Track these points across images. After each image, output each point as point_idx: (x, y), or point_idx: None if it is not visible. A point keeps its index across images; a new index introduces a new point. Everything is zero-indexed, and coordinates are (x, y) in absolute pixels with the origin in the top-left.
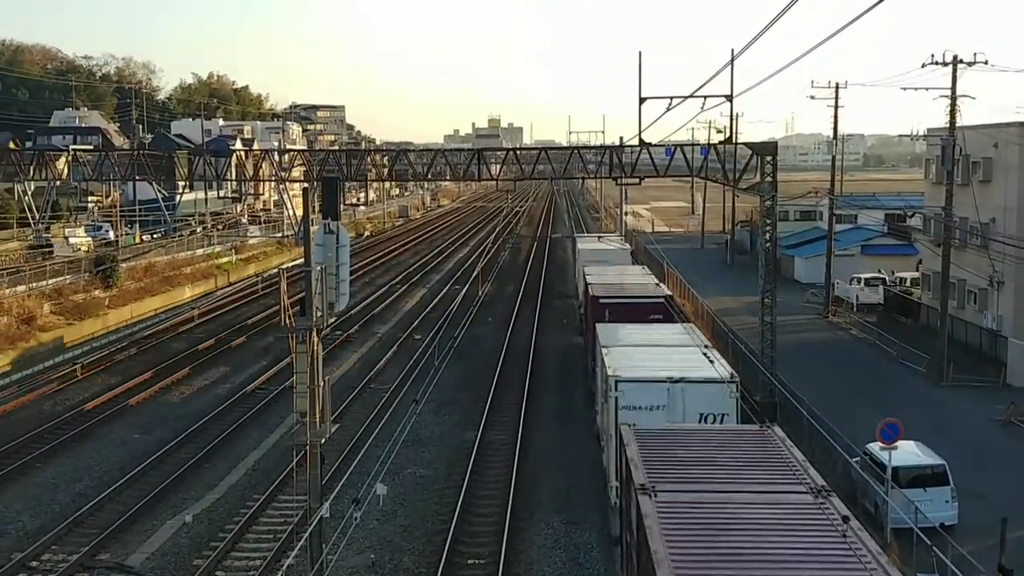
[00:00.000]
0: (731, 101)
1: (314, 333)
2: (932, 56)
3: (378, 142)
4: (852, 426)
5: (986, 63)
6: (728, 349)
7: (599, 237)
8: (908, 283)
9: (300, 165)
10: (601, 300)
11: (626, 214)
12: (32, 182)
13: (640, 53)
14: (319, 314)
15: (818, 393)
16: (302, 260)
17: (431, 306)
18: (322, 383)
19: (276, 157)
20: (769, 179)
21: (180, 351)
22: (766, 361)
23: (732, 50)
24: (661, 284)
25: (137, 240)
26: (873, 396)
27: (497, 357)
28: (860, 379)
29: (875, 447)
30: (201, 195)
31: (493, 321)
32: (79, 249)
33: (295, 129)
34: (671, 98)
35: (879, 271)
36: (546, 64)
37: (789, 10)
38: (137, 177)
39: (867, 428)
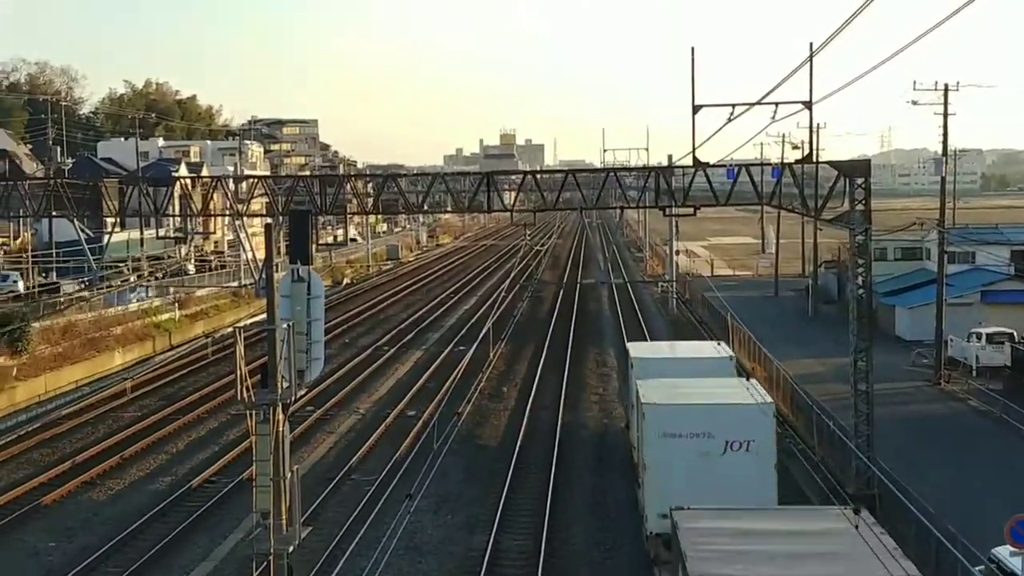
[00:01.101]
0: (810, 108)
1: (279, 410)
2: None
3: (360, 165)
4: (974, 524)
5: None
6: (812, 427)
7: (685, 341)
8: None
9: (261, 195)
10: None
11: (677, 253)
12: None
13: (693, 50)
14: (286, 385)
15: (929, 483)
16: (264, 316)
17: (428, 374)
18: (289, 474)
19: (231, 185)
20: (861, 207)
21: (107, 434)
22: (860, 442)
23: (811, 44)
24: None
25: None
26: (1000, 485)
27: (513, 439)
28: (982, 463)
29: (1004, 552)
30: (136, 234)
31: (508, 392)
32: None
33: (255, 150)
34: (733, 105)
35: (983, 324)
36: (573, 64)
37: None
38: (54, 212)
39: (993, 527)
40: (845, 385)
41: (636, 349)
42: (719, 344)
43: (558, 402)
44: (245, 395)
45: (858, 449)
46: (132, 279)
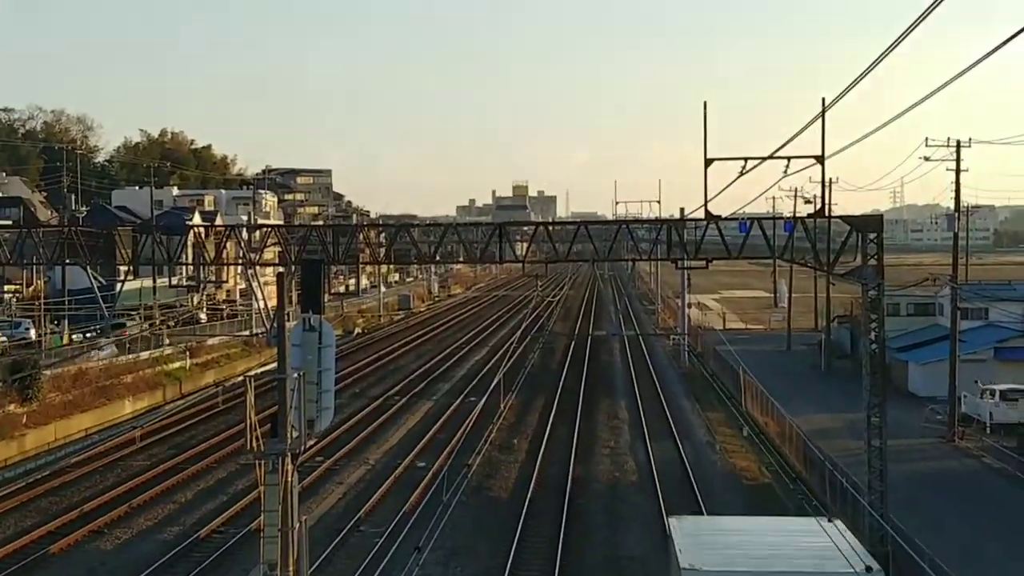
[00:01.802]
0: (823, 163)
1: (289, 459)
2: None
3: (373, 215)
4: None
5: None
6: (825, 483)
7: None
8: None
9: (274, 244)
10: None
11: (689, 306)
12: None
13: (705, 104)
14: (295, 435)
15: (943, 541)
16: (275, 365)
17: (438, 425)
18: (298, 525)
19: (244, 235)
20: (873, 262)
21: (116, 483)
22: (874, 498)
23: (823, 99)
24: None
25: (65, 340)
26: (1015, 544)
27: (524, 491)
28: (997, 521)
29: None
30: (148, 283)
31: (519, 444)
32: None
33: (269, 199)
34: (745, 159)
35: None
36: (585, 117)
37: (895, 48)
38: (68, 260)
39: None
40: (858, 441)
41: (688, 541)
42: (831, 525)
43: (569, 454)
44: (255, 444)
45: (871, 506)
46: (144, 327)
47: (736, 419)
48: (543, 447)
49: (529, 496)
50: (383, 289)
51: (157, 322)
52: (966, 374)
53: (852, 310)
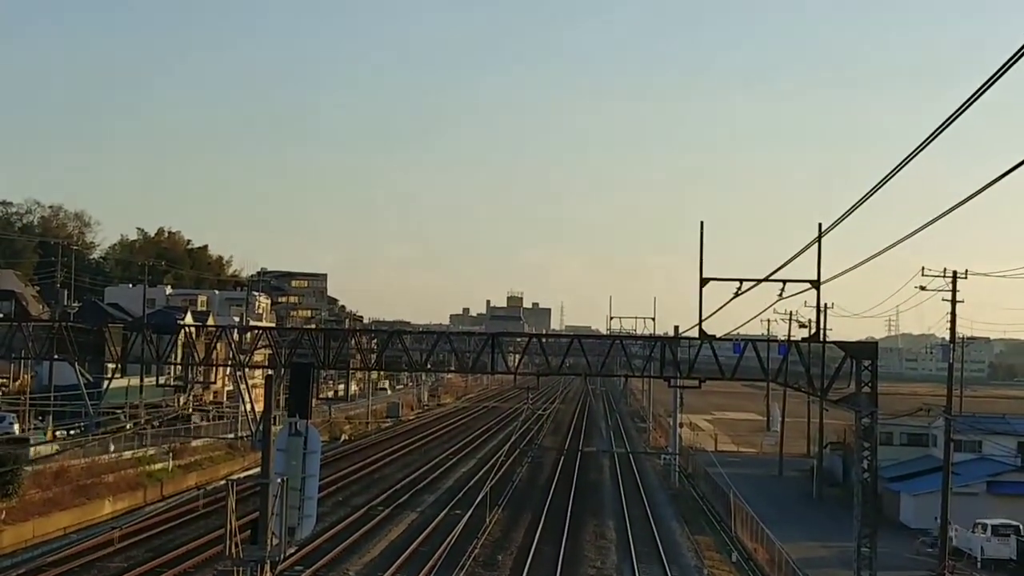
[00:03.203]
0: (818, 288)
1: (268, 567)
2: None
3: (366, 320)
4: None
5: None
6: None
7: None
8: None
9: (265, 347)
10: None
11: (681, 425)
12: None
13: (702, 224)
14: (275, 542)
15: None
16: (258, 469)
17: (422, 538)
18: None
19: (235, 336)
20: (867, 390)
21: None
22: None
23: (820, 225)
24: None
25: (48, 436)
26: None
27: None
28: None
29: None
30: (136, 381)
31: (503, 560)
32: None
33: (262, 301)
34: (741, 280)
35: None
36: (583, 231)
37: (894, 177)
38: (56, 356)
39: None
40: (848, 571)
41: None
42: None
43: (555, 574)
44: (234, 551)
45: None
46: (129, 426)
47: (725, 544)
48: (528, 565)
49: None
50: (388, 394)
51: (143, 421)
52: (958, 507)
53: (845, 437)
